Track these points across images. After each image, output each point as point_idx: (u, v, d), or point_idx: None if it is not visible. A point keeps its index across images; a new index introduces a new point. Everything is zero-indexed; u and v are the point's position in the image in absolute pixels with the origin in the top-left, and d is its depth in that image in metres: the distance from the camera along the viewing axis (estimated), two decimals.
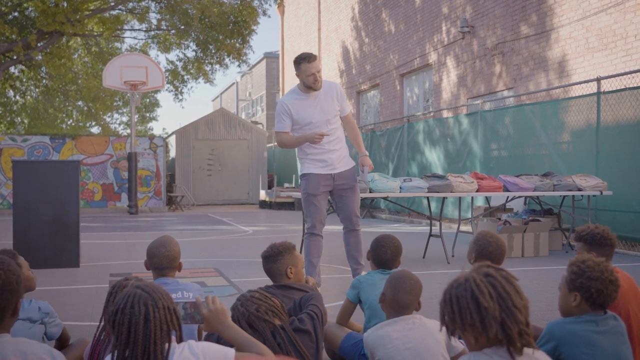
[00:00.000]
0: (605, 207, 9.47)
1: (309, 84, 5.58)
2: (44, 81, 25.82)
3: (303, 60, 5.54)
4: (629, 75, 9.60)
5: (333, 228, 12.43)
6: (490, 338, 1.88)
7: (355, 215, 5.82)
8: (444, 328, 1.97)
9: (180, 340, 2.15)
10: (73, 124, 34.16)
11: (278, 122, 5.76)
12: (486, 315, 1.86)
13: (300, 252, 5.94)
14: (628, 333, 2.73)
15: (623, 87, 9.48)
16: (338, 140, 5.80)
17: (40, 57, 21.90)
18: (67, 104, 29.28)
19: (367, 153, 6.01)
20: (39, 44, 21.08)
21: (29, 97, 30.67)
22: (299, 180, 6.66)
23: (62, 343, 3.39)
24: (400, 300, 2.95)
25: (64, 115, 32.86)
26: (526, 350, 1.93)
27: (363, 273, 5.24)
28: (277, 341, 2.80)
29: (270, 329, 2.83)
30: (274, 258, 3.53)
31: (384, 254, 3.77)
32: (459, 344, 2.91)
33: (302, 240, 6.96)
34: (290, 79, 31.06)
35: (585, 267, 2.61)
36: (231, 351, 2.25)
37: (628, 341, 2.67)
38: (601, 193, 8.58)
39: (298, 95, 5.73)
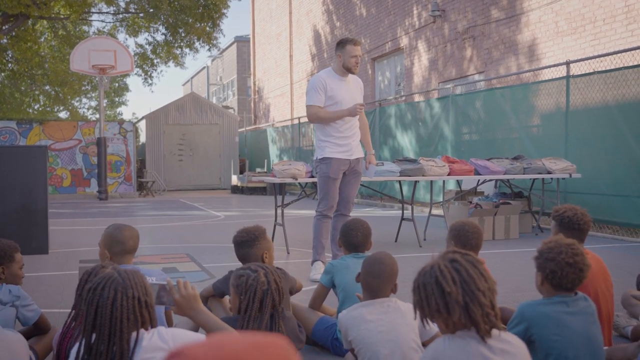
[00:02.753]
0: (574, 190, 9.59)
1: (350, 65, 5.74)
2: (9, 65, 25.31)
3: (349, 42, 5.74)
4: (597, 59, 9.70)
5: (307, 212, 12.43)
6: (457, 322, 1.93)
7: (351, 202, 6.02)
8: (417, 314, 2.00)
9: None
10: (40, 109, 33.59)
11: (313, 95, 5.81)
12: (449, 300, 1.90)
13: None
14: (597, 313, 2.77)
15: (592, 70, 9.58)
16: (357, 127, 5.99)
17: (5, 40, 21.47)
18: (34, 88, 28.78)
19: (374, 152, 6.40)
20: (4, 27, 20.64)
21: None
22: (312, 163, 6.92)
23: (40, 330, 3.35)
24: (369, 284, 2.97)
25: (31, 99, 32.28)
26: (495, 332, 1.96)
27: None
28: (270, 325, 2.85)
29: (270, 312, 2.85)
30: (251, 243, 3.52)
31: (355, 238, 3.80)
32: (433, 327, 2.93)
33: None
34: (261, 63, 30.88)
35: (546, 248, 2.67)
36: (201, 337, 2.23)
37: (598, 322, 2.71)
38: (570, 176, 8.69)
39: (334, 75, 5.88)
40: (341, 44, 5.79)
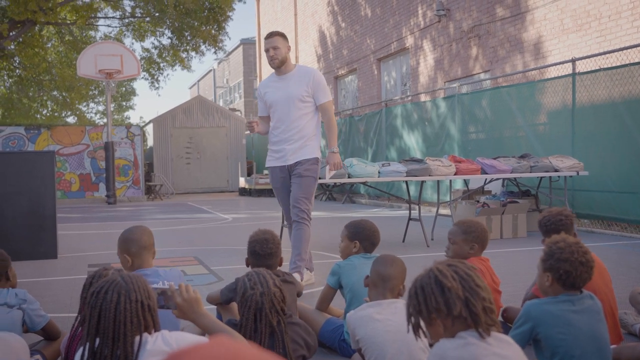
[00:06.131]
0: (582, 188, 9.57)
1: (268, 61, 5.44)
2: (17, 71, 25.45)
3: (265, 38, 5.48)
4: (603, 56, 9.67)
5: (314, 214, 12.43)
6: (456, 320, 1.95)
7: (296, 206, 5.36)
8: (410, 325, 2.04)
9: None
10: (48, 114, 33.76)
11: (259, 106, 5.72)
12: (450, 295, 1.94)
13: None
14: None
15: (598, 67, 9.55)
16: (296, 129, 5.42)
17: (12, 46, 21.59)
18: (41, 93, 28.91)
19: (337, 150, 5.55)
20: (11, 34, 20.74)
21: (2, 87, 30.23)
22: None
23: (49, 336, 3.37)
24: (380, 272, 2.98)
25: (39, 105, 32.43)
26: (495, 334, 1.99)
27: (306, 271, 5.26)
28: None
29: (277, 319, 2.84)
30: (275, 254, 3.53)
31: (377, 238, 3.85)
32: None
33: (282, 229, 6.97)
34: (267, 65, 30.91)
35: (557, 248, 2.65)
36: (204, 340, 2.24)
37: (604, 319, 2.70)
38: (577, 174, 8.66)
39: (271, 77, 5.61)
40: None
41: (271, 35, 5.44)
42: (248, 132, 26.29)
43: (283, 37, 5.49)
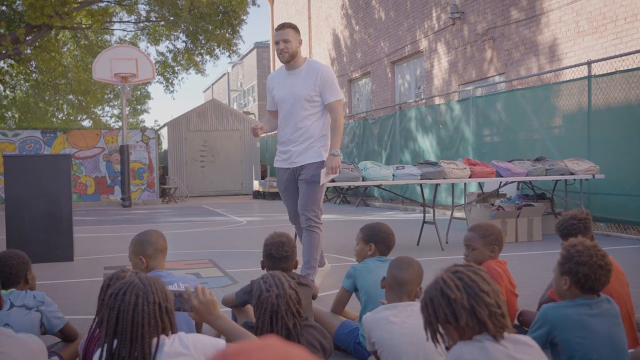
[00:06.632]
0: (597, 191, 9.50)
1: (277, 54, 5.17)
2: (33, 75, 25.67)
3: (275, 29, 5.20)
4: (619, 58, 9.61)
5: (328, 217, 12.44)
6: (466, 328, 1.98)
7: (303, 213, 5.24)
8: (428, 333, 2.07)
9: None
10: (64, 118, 34.02)
11: (267, 100, 5.56)
12: (455, 306, 1.96)
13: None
14: None
15: (614, 70, 9.49)
16: (303, 130, 5.20)
17: (29, 51, 21.77)
18: (57, 97, 29.14)
19: (338, 153, 5.17)
20: (27, 38, 20.94)
21: (18, 91, 30.52)
22: None
23: (67, 338, 3.40)
24: (397, 277, 2.98)
25: (55, 109, 32.71)
26: (512, 336, 2.00)
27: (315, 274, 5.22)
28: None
29: (292, 321, 2.83)
30: (291, 258, 3.54)
31: (392, 242, 3.86)
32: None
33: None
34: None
35: (575, 251, 2.63)
36: (221, 342, 2.26)
37: (621, 323, 2.68)
38: (593, 177, 8.60)
39: (281, 70, 5.35)
40: None
41: (282, 26, 5.14)
42: (262, 135, 26.31)
43: (295, 29, 5.19)
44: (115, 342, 2.03)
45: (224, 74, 56.05)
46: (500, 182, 9.24)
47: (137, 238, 3.39)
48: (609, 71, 9.60)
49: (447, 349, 2.47)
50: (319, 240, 5.26)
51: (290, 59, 5.14)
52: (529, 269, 6.33)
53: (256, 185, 21.78)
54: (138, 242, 3.36)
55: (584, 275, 2.58)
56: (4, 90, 29.41)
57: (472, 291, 1.97)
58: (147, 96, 44.29)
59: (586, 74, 9.82)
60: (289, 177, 5.34)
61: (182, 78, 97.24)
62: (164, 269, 3.37)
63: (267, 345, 1.03)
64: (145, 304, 2.03)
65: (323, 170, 5.14)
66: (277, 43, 5.09)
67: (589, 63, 9.78)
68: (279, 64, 30.95)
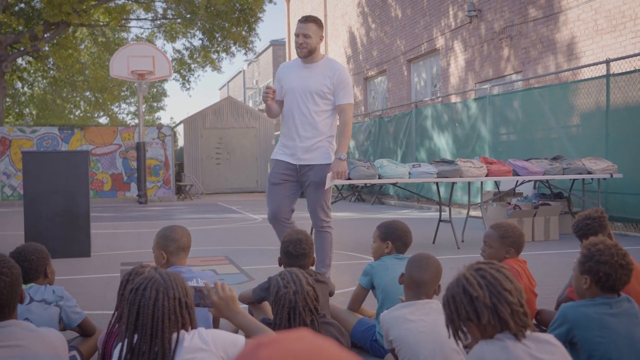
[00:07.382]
0: (615, 190, 9.43)
1: (295, 46, 5.00)
2: (51, 72, 25.89)
3: (298, 21, 5.04)
4: (638, 57, 9.52)
5: (343, 215, 12.44)
6: (488, 326, 1.98)
7: (316, 215, 5.14)
8: (450, 330, 2.08)
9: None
10: (81, 115, 34.28)
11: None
12: (477, 304, 1.97)
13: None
14: None
15: (632, 68, 9.40)
16: (313, 127, 5.02)
17: (47, 48, 21.94)
18: (74, 94, 29.37)
19: (344, 157, 5.01)
20: (45, 35, 21.11)
21: (36, 88, 30.77)
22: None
23: (85, 332, 3.42)
24: (414, 278, 2.98)
25: (72, 105, 32.96)
26: (534, 335, 2.00)
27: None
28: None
29: (310, 318, 2.84)
30: (308, 255, 3.55)
31: (410, 239, 3.85)
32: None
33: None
34: None
35: (595, 250, 2.61)
36: (241, 338, 2.26)
37: None
38: (611, 176, 8.54)
39: (296, 62, 5.16)
40: None
41: (306, 20, 4.97)
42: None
43: (318, 24, 5.01)
44: (136, 337, 2.04)
45: (240, 72, 56.17)
46: (517, 181, 9.19)
47: (162, 232, 3.40)
48: (628, 70, 9.52)
49: (466, 347, 2.47)
50: (331, 240, 5.20)
51: (308, 55, 4.99)
52: (546, 268, 6.29)
53: None
54: (162, 236, 3.37)
55: (605, 275, 2.57)
56: (22, 87, 29.69)
57: (494, 289, 1.97)
58: (164, 93, 44.50)
59: (604, 73, 9.74)
60: (289, 172, 5.10)
61: (198, 75, 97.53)
62: (185, 265, 3.39)
63: (300, 336, 1.05)
64: (166, 299, 2.04)
65: (329, 175, 4.98)
66: (297, 36, 4.94)
67: (607, 62, 9.70)
68: None
